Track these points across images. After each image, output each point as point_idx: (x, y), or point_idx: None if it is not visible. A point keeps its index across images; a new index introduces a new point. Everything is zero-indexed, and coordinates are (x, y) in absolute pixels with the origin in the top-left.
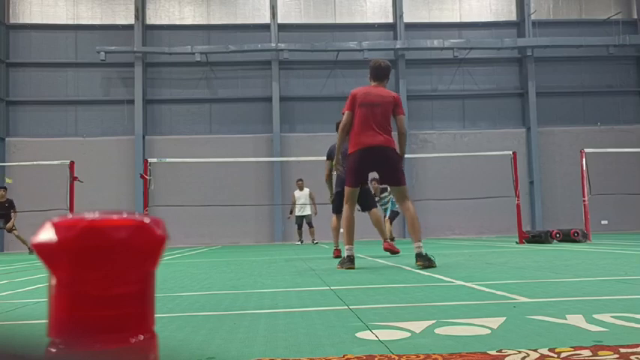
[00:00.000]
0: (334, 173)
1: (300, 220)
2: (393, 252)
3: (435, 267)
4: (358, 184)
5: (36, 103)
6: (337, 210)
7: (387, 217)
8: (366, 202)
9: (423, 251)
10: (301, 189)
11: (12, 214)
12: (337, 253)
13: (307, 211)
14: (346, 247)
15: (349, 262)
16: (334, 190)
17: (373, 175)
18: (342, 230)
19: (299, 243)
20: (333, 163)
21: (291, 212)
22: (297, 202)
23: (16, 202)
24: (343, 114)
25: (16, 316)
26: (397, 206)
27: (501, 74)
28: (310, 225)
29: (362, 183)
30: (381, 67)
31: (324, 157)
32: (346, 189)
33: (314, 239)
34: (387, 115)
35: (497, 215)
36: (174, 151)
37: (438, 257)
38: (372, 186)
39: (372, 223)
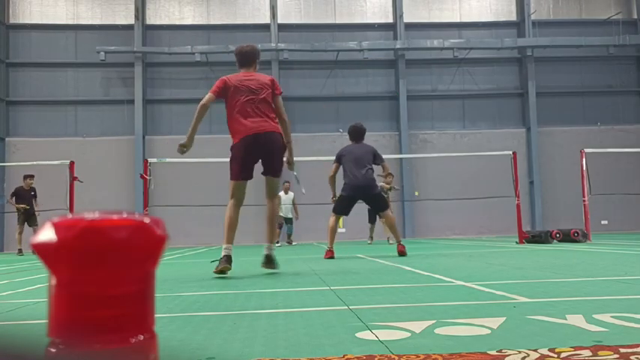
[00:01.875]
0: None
1: (283, 221)
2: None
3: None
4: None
5: (36, 103)
6: (337, 210)
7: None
8: (378, 206)
9: (273, 253)
10: (286, 192)
11: (34, 204)
12: (329, 254)
13: (290, 214)
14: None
15: (225, 262)
16: (339, 194)
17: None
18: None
19: (278, 245)
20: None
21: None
22: (282, 204)
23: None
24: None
25: (16, 316)
26: None
27: (501, 74)
28: (290, 228)
29: (367, 188)
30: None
31: (324, 157)
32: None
33: (291, 240)
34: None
35: (497, 215)
36: (174, 151)
37: (438, 257)
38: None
39: (385, 226)
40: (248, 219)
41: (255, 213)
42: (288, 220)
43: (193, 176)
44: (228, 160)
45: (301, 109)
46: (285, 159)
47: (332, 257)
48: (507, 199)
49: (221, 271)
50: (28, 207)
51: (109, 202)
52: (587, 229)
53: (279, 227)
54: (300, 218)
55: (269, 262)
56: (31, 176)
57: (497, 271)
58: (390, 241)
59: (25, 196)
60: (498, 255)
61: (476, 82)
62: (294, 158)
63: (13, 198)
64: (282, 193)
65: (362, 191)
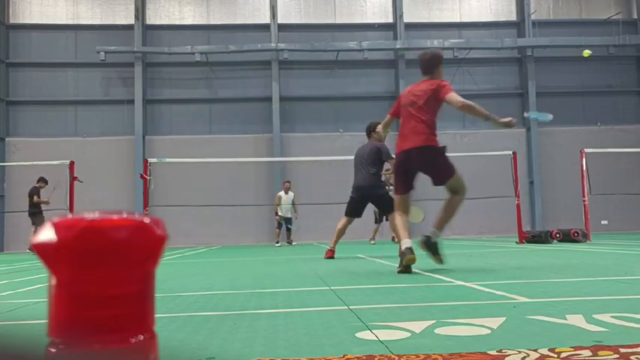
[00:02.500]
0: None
1: (282, 220)
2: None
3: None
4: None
5: (36, 103)
6: (347, 212)
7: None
8: (383, 206)
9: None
10: (287, 192)
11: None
12: (330, 254)
13: (290, 214)
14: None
15: (410, 253)
16: (351, 195)
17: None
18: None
19: (278, 245)
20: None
21: (277, 214)
22: (282, 204)
23: (16, 202)
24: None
25: (16, 316)
26: None
27: (501, 74)
28: (289, 229)
29: (369, 189)
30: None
31: (324, 158)
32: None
33: (291, 240)
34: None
35: (497, 215)
36: (174, 151)
37: None
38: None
39: (390, 227)
40: (248, 219)
41: (255, 213)
42: (288, 220)
43: (193, 176)
44: (228, 160)
45: (301, 109)
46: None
47: (332, 257)
48: (507, 199)
49: (407, 265)
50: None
51: (109, 202)
52: (587, 229)
53: (279, 227)
54: (300, 218)
55: (429, 245)
56: (44, 180)
57: (497, 271)
58: (396, 240)
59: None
60: (498, 255)
61: (476, 82)
62: None
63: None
64: (282, 193)
65: (364, 192)
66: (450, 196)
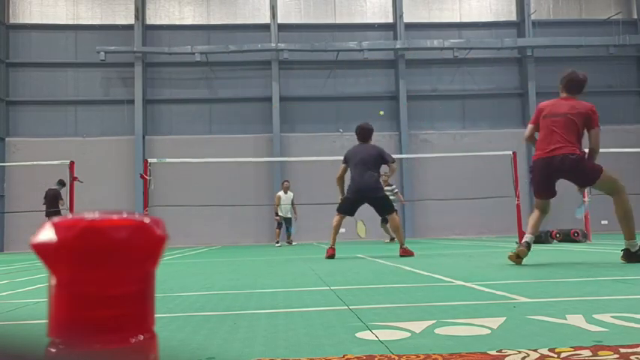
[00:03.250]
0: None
1: (283, 220)
2: (409, 255)
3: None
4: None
5: (36, 103)
6: (341, 209)
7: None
8: (382, 209)
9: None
10: (286, 192)
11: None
12: (331, 252)
13: (289, 214)
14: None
15: (526, 248)
16: (344, 195)
17: (384, 169)
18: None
19: (278, 244)
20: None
21: (277, 214)
22: (281, 204)
23: (16, 202)
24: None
25: (16, 316)
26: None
27: (501, 74)
28: (290, 228)
29: (369, 191)
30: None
31: (324, 158)
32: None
33: (291, 240)
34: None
35: (497, 215)
36: (174, 151)
37: (438, 257)
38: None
39: (391, 229)
40: (248, 219)
41: (255, 213)
42: (288, 221)
43: (193, 176)
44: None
45: (301, 109)
46: None
47: (332, 256)
48: (507, 199)
49: (517, 256)
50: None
51: (109, 202)
52: (587, 229)
53: (279, 227)
54: (301, 218)
55: (630, 257)
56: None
57: (497, 271)
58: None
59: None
60: (498, 255)
61: (476, 82)
62: None
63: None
64: (281, 193)
65: (363, 194)
66: (613, 201)
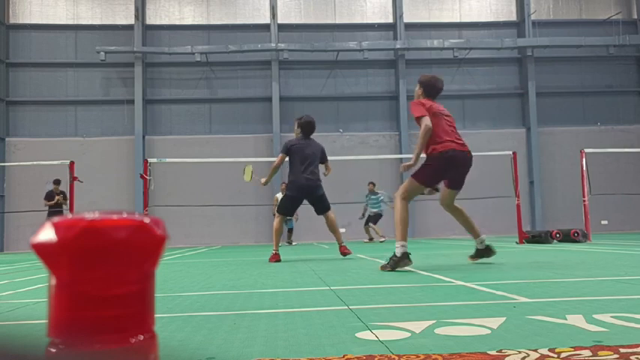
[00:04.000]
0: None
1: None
2: (347, 254)
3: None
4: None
5: (36, 103)
6: (283, 211)
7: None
8: (323, 206)
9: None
10: (284, 192)
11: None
12: (276, 258)
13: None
14: (400, 242)
15: (406, 259)
16: (285, 193)
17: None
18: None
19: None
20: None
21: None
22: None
23: (16, 202)
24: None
25: (16, 316)
26: (381, 208)
27: (501, 74)
28: (291, 230)
29: (314, 189)
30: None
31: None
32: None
33: (291, 240)
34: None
35: (497, 215)
36: (174, 151)
37: (438, 257)
38: (368, 187)
39: (326, 226)
40: (248, 219)
41: (255, 213)
42: (287, 221)
43: (193, 176)
44: (228, 160)
45: (301, 109)
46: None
47: (278, 261)
48: (507, 199)
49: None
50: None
51: (109, 202)
52: (587, 229)
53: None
54: (301, 218)
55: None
56: (57, 182)
57: (497, 271)
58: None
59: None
60: (498, 255)
61: (476, 82)
62: None
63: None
64: (279, 195)
65: (309, 191)
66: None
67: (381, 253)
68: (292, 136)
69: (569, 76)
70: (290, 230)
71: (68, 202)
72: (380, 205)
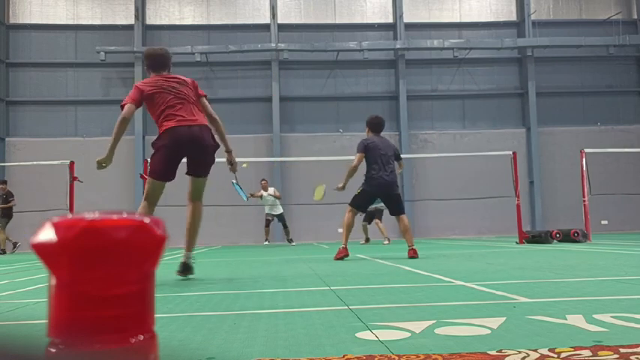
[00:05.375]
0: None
1: (272, 218)
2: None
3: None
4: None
5: (36, 103)
6: (357, 205)
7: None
8: (398, 207)
9: (190, 261)
10: (266, 189)
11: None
12: (343, 253)
13: (279, 210)
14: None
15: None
16: (362, 189)
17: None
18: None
19: (266, 243)
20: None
21: (253, 194)
22: (265, 203)
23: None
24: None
25: (16, 316)
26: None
27: (501, 74)
28: (285, 225)
29: (392, 187)
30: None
31: (325, 158)
32: None
33: (290, 239)
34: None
35: (497, 215)
36: None
37: (438, 257)
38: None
39: (400, 230)
40: (248, 219)
41: (255, 213)
42: (279, 217)
43: None
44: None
45: (301, 109)
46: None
47: (346, 256)
48: (507, 199)
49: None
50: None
51: (109, 202)
52: (587, 229)
53: (267, 225)
54: (301, 219)
55: (184, 269)
56: (4, 182)
57: (497, 271)
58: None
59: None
60: (498, 255)
61: (476, 82)
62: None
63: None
64: (262, 192)
65: (387, 190)
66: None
67: (383, 253)
68: (292, 136)
69: (569, 76)
70: (285, 228)
71: (14, 200)
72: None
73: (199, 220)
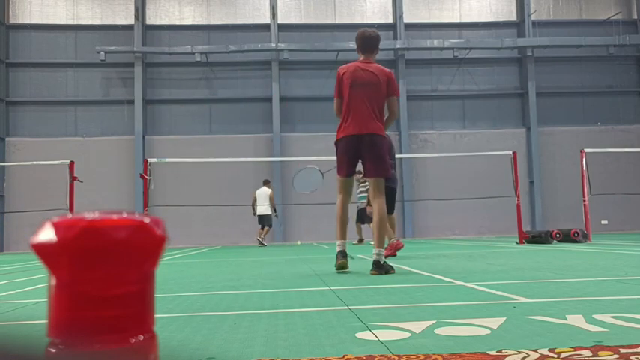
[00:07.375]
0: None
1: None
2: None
3: (392, 272)
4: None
5: (36, 103)
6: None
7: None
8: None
9: (381, 259)
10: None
11: None
12: (399, 245)
13: (267, 211)
14: (338, 241)
15: (342, 258)
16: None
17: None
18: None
19: (264, 244)
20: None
21: (254, 213)
22: (257, 203)
23: (16, 202)
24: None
25: (16, 316)
26: None
27: (501, 74)
28: (270, 225)
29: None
30: (371, 36)
31: (325, 158)
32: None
33: (263, 239)
34: (379, 96)
35: (497, 215)
36: (174, 151)
37: (438, 257)
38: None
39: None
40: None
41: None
42: (267, 218)
43: (193, 176)
44: (228, 160)
45: (301, 109)
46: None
47: (402, 247)
48: (507, 199)
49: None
50: None
51: (109, 202)
52: (587, 229)
53: (262, 228)
54: (301, 219)
55: (378, 267)
56: None
57: (497, 271)
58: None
59: None
60: (498, 255)
61: (476, 82)
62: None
63: None
64: (257, 191)
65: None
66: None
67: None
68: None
69: (569, 76)
70: (262, 228)
71: None
72: None
73: (381, 219)
